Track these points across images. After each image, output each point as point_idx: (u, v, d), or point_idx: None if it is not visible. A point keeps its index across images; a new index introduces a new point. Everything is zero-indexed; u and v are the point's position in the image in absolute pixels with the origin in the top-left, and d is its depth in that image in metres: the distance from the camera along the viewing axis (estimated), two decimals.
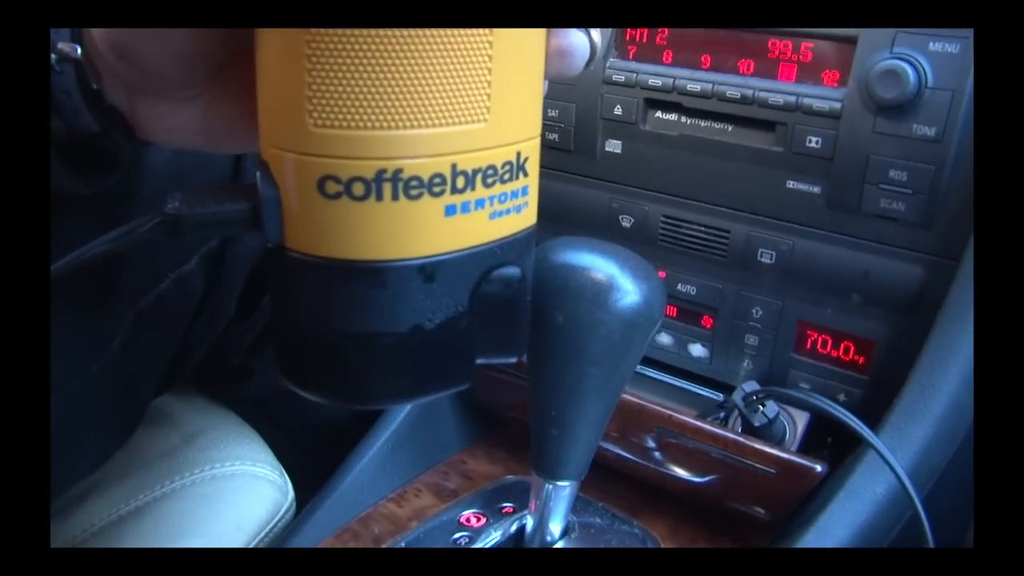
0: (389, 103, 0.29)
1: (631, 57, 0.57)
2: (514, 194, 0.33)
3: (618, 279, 0.40)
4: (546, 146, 0.60)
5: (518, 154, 0.32)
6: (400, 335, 0.32)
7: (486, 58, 0.30)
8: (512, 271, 0.34)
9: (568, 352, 0.40)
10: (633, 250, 0.51)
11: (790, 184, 0.53)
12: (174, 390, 0.67)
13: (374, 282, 0.31)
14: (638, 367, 0.61)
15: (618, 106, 0.58)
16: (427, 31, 0.28)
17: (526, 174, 0.33)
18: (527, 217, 0.34)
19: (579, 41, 0.34)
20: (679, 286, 0.59)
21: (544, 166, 0.63)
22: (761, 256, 0.55)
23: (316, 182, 0.30)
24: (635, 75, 0.57)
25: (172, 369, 0.59)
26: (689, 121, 0.56)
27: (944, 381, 0.47)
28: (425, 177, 0.30)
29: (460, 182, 0.31)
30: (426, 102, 0.29)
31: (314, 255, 0.31)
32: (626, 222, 0.60)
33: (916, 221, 0.49)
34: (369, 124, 0.29)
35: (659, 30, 0.56)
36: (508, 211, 0.33)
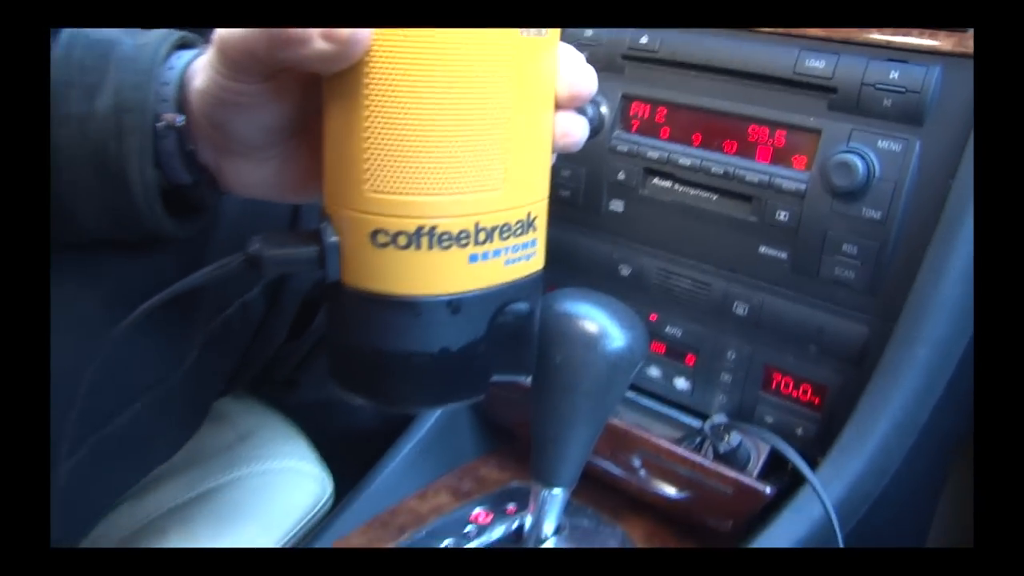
0: (426, 175, 0.35)
1: (634, 131, 0.64)
2: (525, 245, 0.38)
3: (607, 328, 0.47)
4: (559, 201, 0.67)
5: (528, 214, 0.38)
6: (431, 355, 0.37)
7: (503, 142, 0.35)
8: (522, 306, 0.39)
9: (564, 387, 0.47)
10: (629, 295, 0.58)
11: (762, 249, 0.59)
12: (232, 394, 0.72)
13: (411, 312, 0.36)
14: (633, 395, 0.69)
15: (621, 172, 0.64)
16: (457, 127, 0.34)
17: (535, 229, 0.39)
18: (536, 263, 0.40)
19: (578, 123, 0.40)
20: (668, 328, 0.65)
21: (557, 218, 0.71)
22: (736, 308, 0.61)
23: (369, 234, 0.35)
24: (637, 147, 0.63)
25: (233, 379, 0.65)
26: (681, 189, 0.62)
27: (876, 425, 0.53)
28: (454, 232, 0.35)
29: (481, 236, 0.36)
30: (455, 175, 0.35)
31: (366, 290, 0.37)
32: (625, 271, 0.66)
33: (863, 288, 0.55)
34: (411, 191, 0.35)
35: (659, 108, 0.63)
36: (520, 259, 0.38)
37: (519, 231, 0.38)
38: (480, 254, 0.37)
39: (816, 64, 0.56)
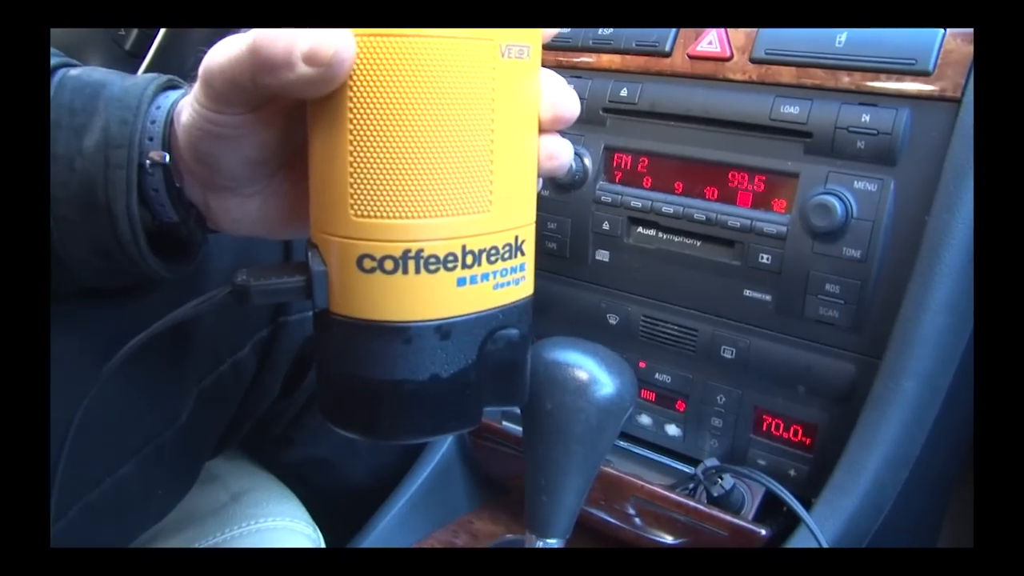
0: (412, 198, 0.34)
1: (617, 181, 0.66)
2: (513, 269, 0.38)
3: (596, 375, 0.47)
4: (545, 253, 0.68)
5: (516, 237, 0.38)
6: (421, 382, 0.37)
7: (488, 164, 0.35)
8: (512, 332, 0.39)
9: (555, 433, 0.47)
10: (617, 344, 0.59)
11: (746, 292, 0.60)
12: (224, 454, 0.71)
13: (400, 338, 0.36)
14: (625, 444, 0.69)
15: (606, 222, 0.66)
16: (439, 149, 0.34)
17: (523, 253, 0.38)
18: (525, 288, 0.39)
19: (563, 146, 0.40)
20: (656, 375, 0.66)
21: (544, 269, 0.73)
22: (723, 352, 0.62)
23: (356, 259, 0.35)
24: (620, 197, 0.65)
25: (225, 437, 0.65)
26: (665, 237, 0.64)
27: (868, 461, 0.54)
28: (441, 255, 0.35)
29: (469, 259, 0.36)
30: (440, 197, 0.34)
31: (353, 317, 0.36)
32: (612, 320, 0.67)
33: (847, 326, 0.56)
34: (396, 215, 0.34)
35: (640, 159, 0.65)
36: (509, 283, 0.38)
37: (507, 255, 0.38)
38: (468, 278, 0.36)
39: (791, 110, 0.58)
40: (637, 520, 0.62)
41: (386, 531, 0.66)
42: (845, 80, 0.56)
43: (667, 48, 0.64)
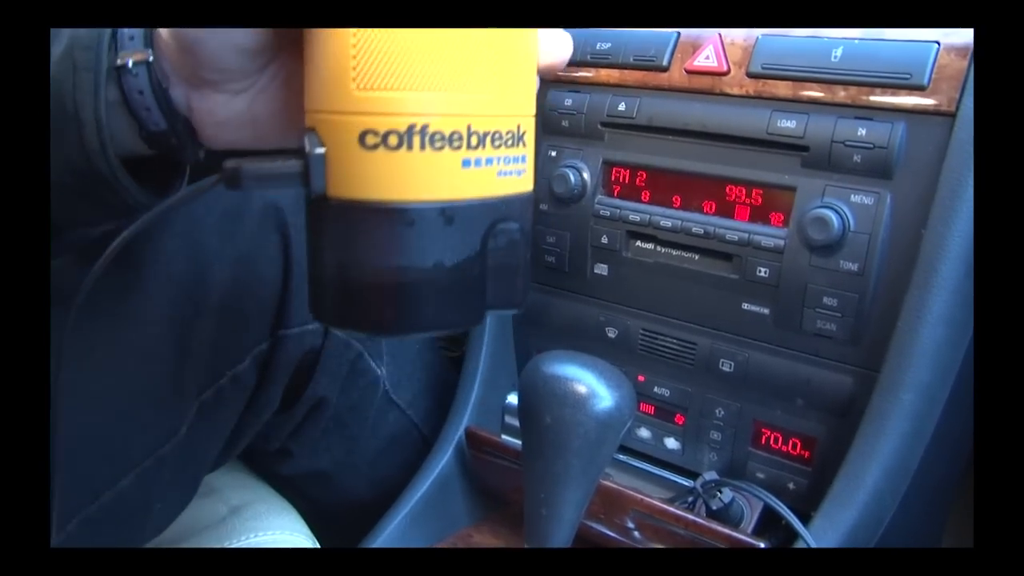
0: (417, 69, 0.34)
1: (616, 195, 0.66)
2: (515, 159, 0.37)
3: (595, 388, 0.47)
4: (545, 267, 0.69)
5: (518, 126, 0.37)
6: (424, 270, 0.36)
7: (492, 41, 0.35)
8: (513, 227, 0.38)
9: (555, 447, 0.47)
10: (616, 357, 0.59)
11: (744, 306, 0.61)
12: (223, 467, 0.71)
13: (404, 220, 0.35)
14: (624, 457, 0.69)
15: (605, 236, 0.66)
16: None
17: (524, 145, 0.38)
18: (525, 183, 0.38)
19: (561, 39, 0.40)
20: (655, 389, 0.66)
21: (542, 283, 0.73)
22: (722, 365, 0.62)
23: (358, 136, 0.34)
24: (619, 211, 0.65)
25: (225, 450, 0.65)
26: (663, 250, 0.64)
27: (867, 474, 0.54)
28: (446, 132, 0.34)
29: (474, 140, 0.35)
30: (446, 70, 0.34)
31: (354, 199, 0.35)
32: (611, 333, 0.67)
33: (845, 339, 0.57)
34: (402, 85, 0.34)
35: (639, 173, 0.65)
36: (511, 172, 0.37)
37: (510, 141, 0.37)
38: (473, 160, 0.36)
39: (788, 124, 0.58)
40: (636, 533, 0.62)
41: (385, 544, 0.65)
42: (841, 94, 0.57)
43: (664, 62, 0.64)
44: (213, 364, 0.61)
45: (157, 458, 0.59)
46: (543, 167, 0.68)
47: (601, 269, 0.67)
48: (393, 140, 0.34)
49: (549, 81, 0.69)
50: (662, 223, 0.63)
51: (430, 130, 0.34)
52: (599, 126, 0.67)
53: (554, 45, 0.40)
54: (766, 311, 0.60)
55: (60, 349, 0.41)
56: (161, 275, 0.59)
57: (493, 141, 0.36)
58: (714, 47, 0.62)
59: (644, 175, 0.65)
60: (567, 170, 0.67)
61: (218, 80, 0.40)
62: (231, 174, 0.36)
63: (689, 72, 0.63)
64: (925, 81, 0.54)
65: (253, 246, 0.62)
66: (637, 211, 0.64)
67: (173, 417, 0.60)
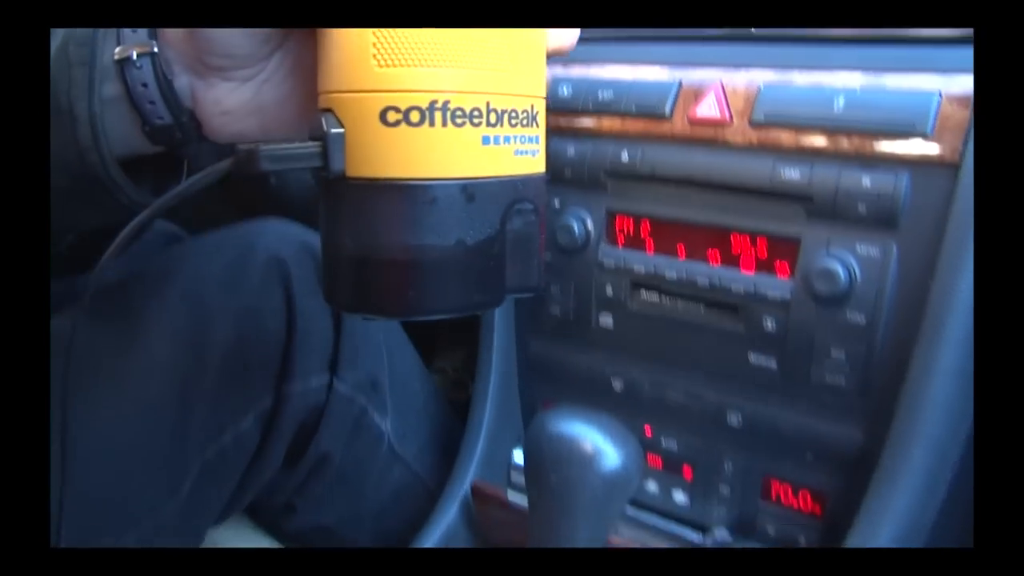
0: (439, 46, 0.34)
1: (620, 245, 0.65)
2: (530, 139, 0.38)
3: (601, 447, 0.47)
4: (549, 318, 0.68)
5: (532, 106, 0.38)
6: (445, 248, 0.36)
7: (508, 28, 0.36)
8: (530, 207, 0.38)
9: (561, 507, 0.47)
10: (623, 410, 0.58)
11: (751, 358, 0.60)
12: (227, 522, 0.71)
13: (426, 197, 0.35)
14: (632, 511, 0.68)
15: (609, 287, 0.65)
16: None
17: (538, 125, 0.39)
18: (540, 163, 0.39)
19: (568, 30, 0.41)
20: (663, 441, 0.65)
21: (548, 334, 0.72)
22: (730, 418, 0.61)
23: (379, 113, 0.35)
24: (623, 261, 0.64)
25: (228, 507, 0.65)
26: (668, 301, 0.63)
27: (880, 531, 0.52)
28: (467, 108, 0.35)
29: (492, 117, 0.36)
30: (465, 47, 0.35)
31: (375, 178, 0.35)
32: (618, 385, 0.66)
33: (854, 392, 0.56)
34: (423, 62, 0.34)
35: (643, 222, 0.65)
36: (527, 152, 0.38)
37: (526, 120, 0.38)
38: (492, 137, 0.36)
39: (791, 174, 0.58)
40: None
41: None
42: (844, 144, 0.56)
43: (667, 111, 0.64)
44: (215, 419, 0.61)
45: (157, 516, 0.58)
46: (546, 217, 0.68)
47: (606, 320, 0.67)
48: (415, 116, 0.34)
49: (551, 130, 0.69)
50: (667, 274, 0.63)
51: (451, 106, 0.35)
52: (603, 175, 0.67)
53: (561, 31, 0.40)
54: (773, 364, 0.59)
55: (63, 402, 0.40)
56: (163, 329, 0.59)
57: (510, 119, 0.37)
58: (716, 95, 0.62)
59: (648, 225, 0.65)
60: (571, 220, 0.66)
61: (226, 66, 0.39)
62: (246, 156, 0.35)
63: (692, 122, 0.63)
64: (928, 131, 0.53)
65: (256, 300, 0.62)
66: (642, 261, 0.64)
67: (175, 475, 0.59)
